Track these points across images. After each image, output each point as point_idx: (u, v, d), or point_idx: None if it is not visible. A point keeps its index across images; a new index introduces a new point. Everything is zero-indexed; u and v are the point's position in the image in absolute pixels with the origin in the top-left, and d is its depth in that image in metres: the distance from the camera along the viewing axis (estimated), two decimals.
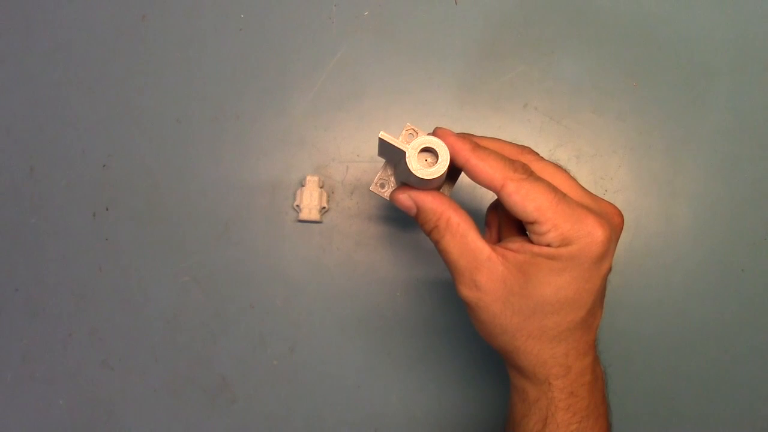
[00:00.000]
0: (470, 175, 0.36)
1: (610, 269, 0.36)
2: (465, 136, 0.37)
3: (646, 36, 0.57)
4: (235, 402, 0.55)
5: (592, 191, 0.38)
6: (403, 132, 0.39)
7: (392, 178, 0.41)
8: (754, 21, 0.57)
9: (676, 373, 0.55)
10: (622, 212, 0.39)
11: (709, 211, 0.56)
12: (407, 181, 0.38)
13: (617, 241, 0.36)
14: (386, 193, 0.41)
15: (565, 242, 0.34)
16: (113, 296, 0.55)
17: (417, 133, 0.38)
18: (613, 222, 0.36)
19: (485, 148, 0.36)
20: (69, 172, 0.56)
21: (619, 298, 0.55)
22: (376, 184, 0.41)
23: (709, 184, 0.56)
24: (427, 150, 0.35)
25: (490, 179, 0.35)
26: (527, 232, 0.36)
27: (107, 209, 0.55)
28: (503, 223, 0.41)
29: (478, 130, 0.44)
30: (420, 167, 0.35)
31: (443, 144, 0.35)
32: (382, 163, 0.41)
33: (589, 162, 0.56)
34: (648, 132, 0.56)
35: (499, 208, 0.42)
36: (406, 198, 0.38)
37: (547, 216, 0.34)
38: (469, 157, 0.35)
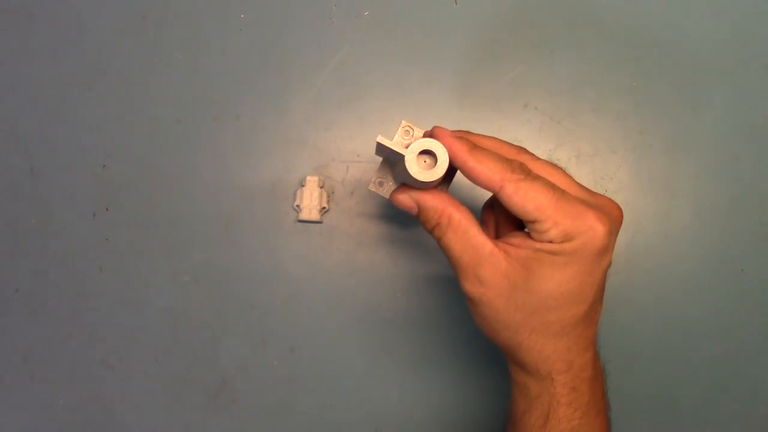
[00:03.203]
0: (468, 176, 0.36)
1: (610, 263, 0.36)
2: (462, 136, 0.37)
3: (646, 36, 0.57)
4: (235, 402, 0.55)
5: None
6: (399, 129, 0.39)
7: (390, 176, 0.41)
8: (754, 21, 0.57)
9: (675, 371, 0.55)
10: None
11: (708, 211, 0.56)
12: (406, 181, 0.38)
13: (617, 235, 0.37)
14: (385, 191, 0.41)
15: (567, 238, 0.34)
16: (113, 296, 0.55)
17: (413, 130, 0.38)
18: (613, 215, 0.36)
19: (482, 149, 0.36)
20: (69, 172, 0.55)
21: (618, 297, 0.55)
22: (374, 182, 0.41)
23: (709, 184, 0.56)
24: (425, 152, 0.35)
25: (489, 180, 0.35)
26: (528, 230, 0.36)
27: (107, 209, 0.55)
28: (500, 220, 0.41)
29: (477, 131, 0.44)
30: (419, 170, 0.35)
31: (441, 146, 0.35)
32: (379, 162, 0.41)
33: (589, 162, 0.56)
34: (648, 132, 0.56)
35: (495, 205, 0.42)
36: (406, 198, 0.38)
37: (548, 214, 0.34)
38: (466, 158, 0.35)
